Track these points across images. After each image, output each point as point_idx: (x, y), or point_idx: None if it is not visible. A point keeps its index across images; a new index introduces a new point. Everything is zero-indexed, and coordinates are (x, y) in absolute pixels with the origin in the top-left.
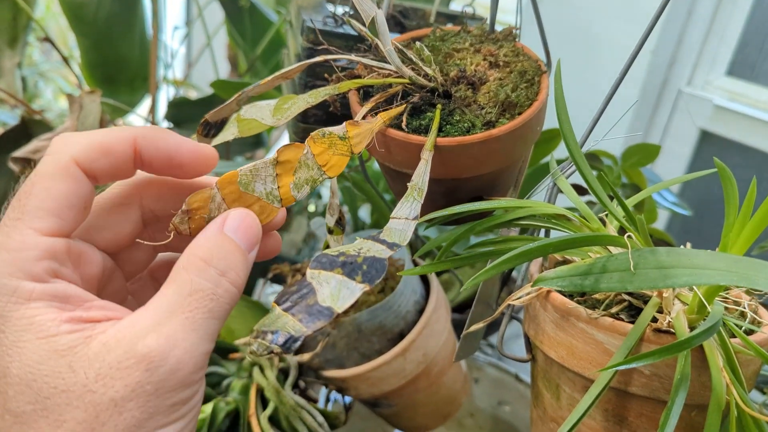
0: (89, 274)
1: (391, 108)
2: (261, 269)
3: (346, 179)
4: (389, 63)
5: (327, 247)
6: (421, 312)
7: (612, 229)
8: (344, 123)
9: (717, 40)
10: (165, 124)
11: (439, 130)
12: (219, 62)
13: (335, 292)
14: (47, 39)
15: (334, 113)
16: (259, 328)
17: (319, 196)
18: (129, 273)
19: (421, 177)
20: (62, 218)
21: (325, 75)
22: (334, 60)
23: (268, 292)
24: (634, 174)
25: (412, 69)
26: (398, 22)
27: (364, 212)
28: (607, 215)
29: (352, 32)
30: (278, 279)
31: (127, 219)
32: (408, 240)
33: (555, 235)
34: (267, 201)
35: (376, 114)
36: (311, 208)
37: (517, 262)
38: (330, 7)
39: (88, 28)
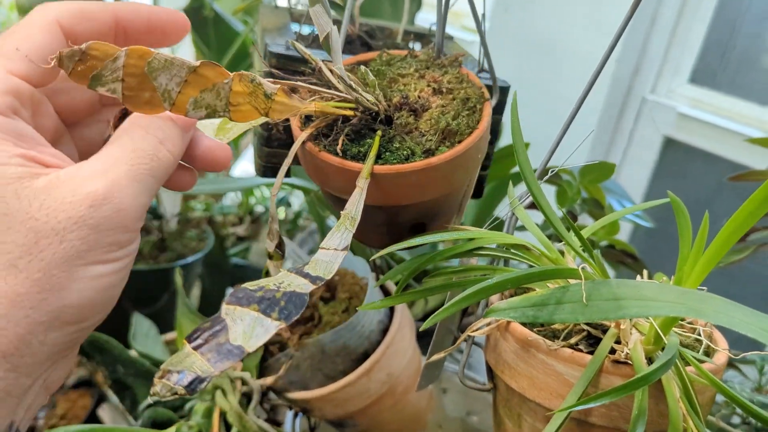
0: (45, 126)
1: (331, 132)
2: (231, 280)
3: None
4: (333, 87)
5: (266, 272)
6: (385, 331)
7: (570, 259)
8: (279, 86)
9: (679, 49)
10: None
11: (378, 157)
12: None
13: (248, 330)
14: None
15: None
16: (166, 367)
17: (289, 204)
18: (81, 152)
19: (354, 206)
20: (32, 66)
21: None
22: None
23: None
24: (593, 189)
25: (356, 93)
26: (364, 42)
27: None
28: (565, 245)
29: (317, 56)
30: None
31: (84, 89)
32: (334, 272)
33: (513, 264)
34: (159, 96)
35: (316, 139)
36: (281, 215)
37: (477, 298)
38: (295, 28)
39: None
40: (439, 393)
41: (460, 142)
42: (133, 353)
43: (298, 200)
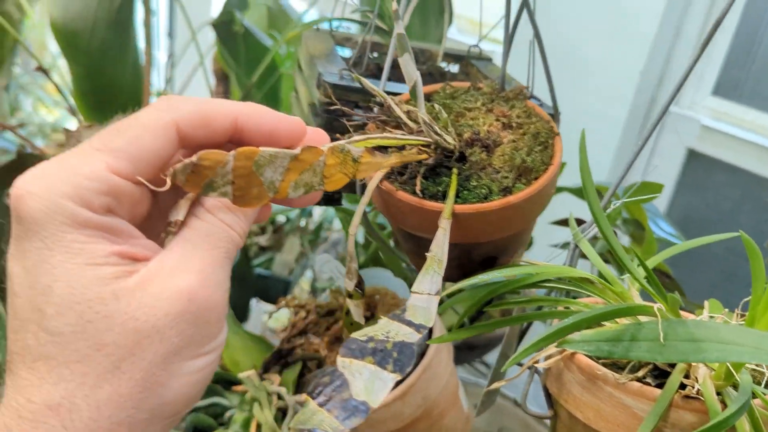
0: (138, 212)
1: (406, 171)
2: (255, 291)
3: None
4: (403, 123)
5: (347, 311)
6: (422, 355)
7: (634, 292)
8: (363, 148)
9: (703, 61)
10: None
11: (456, 195)
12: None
13: (369, 384)
14: (40, 68)
15: None
16: (296, 426)
17: (310, 214)
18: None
19: (440, 248)
20: (138, 168)
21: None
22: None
23: (261, 309)
24: (635, 209)
25: (431, 132)
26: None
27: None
28: (629, 277)
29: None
30: (267, 298)
31: (165, 148)
32: (434, 319)
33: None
34: (266, 189)
35: (389, 177)
36: (302, 223)
37: (555, 338)
38: (340, 51)
39: (82, 56)
40: (471, 412)
41: (536, 178)
42: None
43: (317, 210)
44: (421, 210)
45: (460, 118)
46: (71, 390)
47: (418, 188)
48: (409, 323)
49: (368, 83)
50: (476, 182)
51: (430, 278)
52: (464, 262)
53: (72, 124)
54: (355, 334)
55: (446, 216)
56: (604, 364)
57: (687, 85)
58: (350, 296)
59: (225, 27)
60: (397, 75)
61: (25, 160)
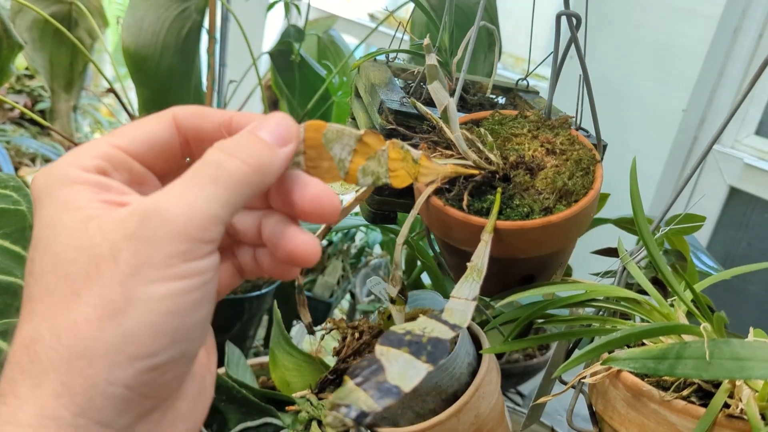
0: (144, 192)
1: (453, 188)
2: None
3: (392, 232)
4: (453, 145)
5: (389, 316)
6: (473, 374)
7: (680, 313)
8: (421, 152)
9: (747, 101)
10: None
11: (499, 212)
12: (259, 109)
13: (403, 371)
14: (111, 90)
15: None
16: (334, 400)
17: (352, 239)
18: None
19: (480, 258)
20: (134, 144)
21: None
22: (406, 139)
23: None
24: (678, 240)
25: (475, 152)
26: (460, 96)
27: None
28: (675, 300)
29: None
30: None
31: (163, 138)
32: (468, 321)
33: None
34: (336, 166)
35: (437, 193)
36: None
37: (603, 350)
38: (398, 83)
39: (150, 80)
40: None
41: (576, 201)
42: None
43: (359, 235)
44: (467, 224)
45: (507, 142)
46: (38, 322)
47: (465, 203)
48: (445, 322)
49: (423, 107)
50: (519, 201)
51: (469, 285)
52: (503, 277)
53: None
54: (393, 328)
55: (488, 230)
56: (648, 384)
57: (730, 124)
58: (393, 302)
59: (282, 56)
60: (461, 105)
61: None
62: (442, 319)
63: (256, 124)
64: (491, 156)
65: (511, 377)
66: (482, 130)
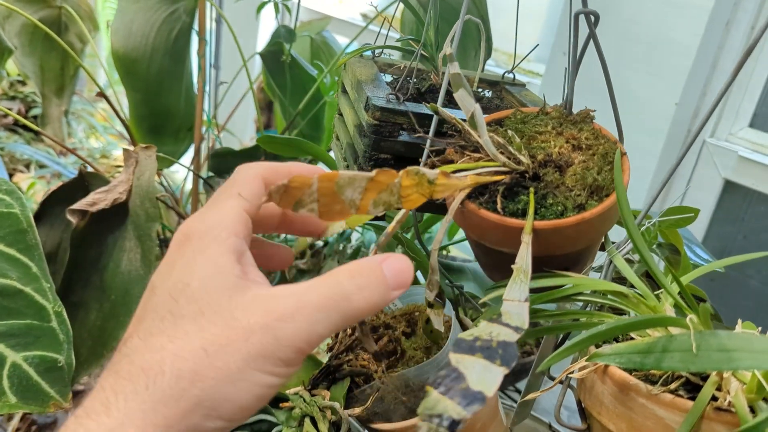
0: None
1: (486, 191)
2: None
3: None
4: (481, 148)
5: (427, 320)
6: None
7: (668, 306)
8: (438, 169)
9: (740, 94)
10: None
11: (534, 212)
12: (247, 112)
13: (481, 376)
14: (101, 94)
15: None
16: (423, 411)
17: (348, 239)
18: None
19: (524, 260)
20: (254, 206)
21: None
22: (418, 141)
23: None
24: (671, 234)
25: (504, 154)
26: (448, 90)
27: None
28: (662, 292)
29: (415, 109)
30: None
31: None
32: (527, 322)
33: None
34: (347, 206)
35: (470, 197)
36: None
37: (588, 344)
38: (384, 78)
39: (140, 83)
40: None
41: (607, 195)
42: None
43: (355, 235)
44: (503, 227)
45: (532, 141)
46: (164, 357)
47: (499, 206)
48: (507, 325)
49: (446, 112)
50: (552, 200)
51: (518, 287)
52: (539, 273)
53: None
54: (461, 335)
55: (528, 231)
56: (636, 378)
57: (724, 117)
58: (431, 306)
59: (273, 57)
60: (434, 99)
61: (85, 178)
62: (503, 322)
63: (383, 260)
64: (521, 157)
65: (509, 374)
66: (509, 131)
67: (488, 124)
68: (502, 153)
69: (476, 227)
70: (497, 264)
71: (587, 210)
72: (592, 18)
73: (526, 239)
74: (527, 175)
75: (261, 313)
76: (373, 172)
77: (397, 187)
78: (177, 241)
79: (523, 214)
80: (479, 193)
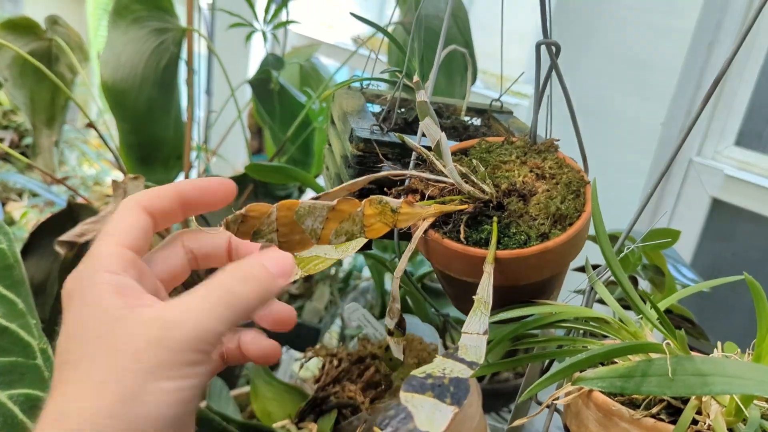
0: (147, 288)
1: (450, 220)
2: (285, 338)
3: (372, 258)
4: (446, 177)
5: (387, 348)
6: None
7: (648, 331)
8: (402, 199)
9: (725, 112)
10: None
11: (497, 242)
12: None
13: (430, 415)
14: (91, 125)
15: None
16: None
17: (340, 263)
18: None
19: (485, 290)
20: (131, 237)
21: (385, 188)
22: (386, 170)
23: (292, 357)
24: (655, 256)
25: (468, 183)
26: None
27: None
28: (643, 318)
29: (397, 140)
30: (297, 345)
31: (175, 254)
32: (484, 357)
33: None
34: (308, 236)
35: (434, 227)
36: (332, 271)
37: (571, 371)
38: (371, 108)
39: (129, 113)
40: None
41: (570, 224)
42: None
43: (347, 259)
44: (466, 256)
45: (497, 170)
46: (68, 402)
47: (462, 236)
48: (462, 360)
49: (411, 141)
50: (515, 229)
51: (478, 319)
52: (504, 303)
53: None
54: (414, 372)
55: (490, 261)
56: (621, 402)
57: (710, 135)
58: (391, 334)
59: (262, 84)
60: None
61: (74, 210)
62: (458, 357)
63: (261, 254)
64: (484, 186)
65: (501, 397)
66: (473, 160)
67: (454, 153)
68: (466, 182)
69: (440, 257)
70: (462, 294)
71: (551, 239)
72: (554, 49)
73: (488, 269)
74: (491, 204)
75: (147, 330)
76: (334, 201)
77: (360, 216)
78: (63, 302)
79: (486, 244)
80: (443, 222)
